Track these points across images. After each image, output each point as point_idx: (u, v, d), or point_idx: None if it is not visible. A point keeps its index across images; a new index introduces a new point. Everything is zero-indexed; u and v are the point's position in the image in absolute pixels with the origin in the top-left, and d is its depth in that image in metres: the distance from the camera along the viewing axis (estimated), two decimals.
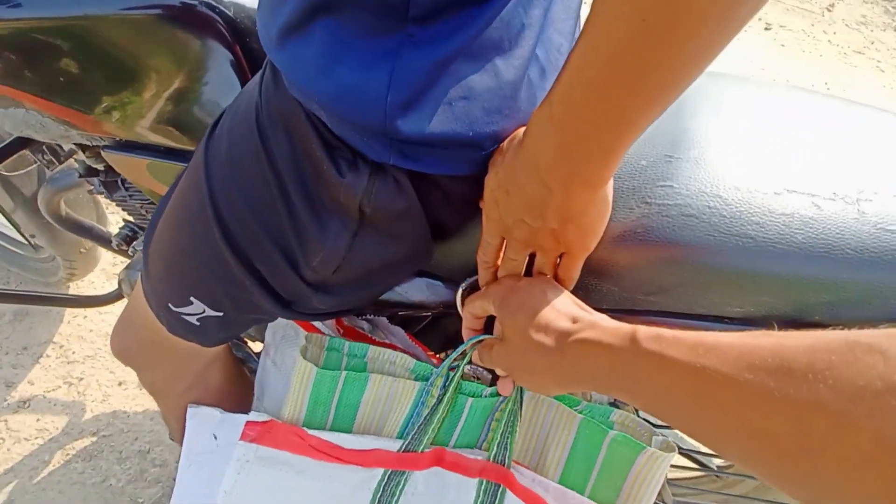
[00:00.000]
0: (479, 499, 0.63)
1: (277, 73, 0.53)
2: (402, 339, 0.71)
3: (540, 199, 0.47)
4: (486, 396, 0.64)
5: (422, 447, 0.64)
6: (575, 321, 0.48)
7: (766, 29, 2.87)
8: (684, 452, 0.79)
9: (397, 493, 0.64)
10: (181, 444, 0.80)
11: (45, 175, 1.15)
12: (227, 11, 0.66)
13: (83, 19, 0.65)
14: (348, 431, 0.66)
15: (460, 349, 0.62)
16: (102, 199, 1.44)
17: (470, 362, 0.63)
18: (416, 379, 0.65)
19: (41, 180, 1.28)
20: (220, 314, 0.65)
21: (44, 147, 0.98)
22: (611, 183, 0.49)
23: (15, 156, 0.96)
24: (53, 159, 0.99)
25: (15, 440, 1.36)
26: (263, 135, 0.55)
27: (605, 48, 0.37)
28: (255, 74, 0.60)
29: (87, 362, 1.51)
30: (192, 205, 0.60)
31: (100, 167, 0.93)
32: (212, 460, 0.73)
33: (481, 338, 0.60)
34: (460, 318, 0.63)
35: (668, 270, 0.55)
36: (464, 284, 0.63)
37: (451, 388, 0.63)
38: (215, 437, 0.74)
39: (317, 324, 0.70)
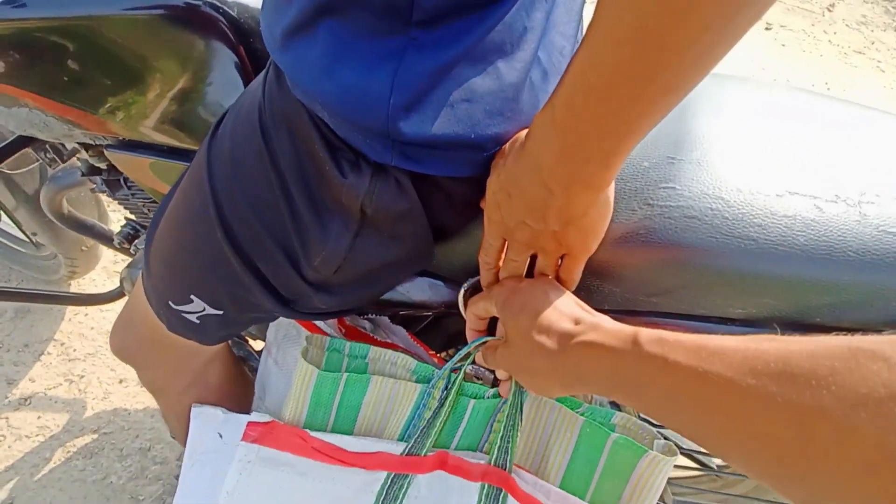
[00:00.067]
0: (482, 503, 0.63)
1: (281, 74, 0.53)
2: (404, 338, 0.71)
3: (541, 201, 0.47)
4: (488, 398, 0.64)
5: (424, 450, 0.64)
6: (577, 323, 0.48)
7: (766, 28, 2.87)
8: (685, 452, 0.79)
9: (400, 496, 0.64)
10: (181, 442, 0.80)
11: (47, 173, 1.16)
12: (231, 12, 0.66)
13: (87, 19, 0.65)
14: (349, 433, 0.66)
15: (463, 351, 0.62)
16: (104, 198, 1.44)
17: (473, 362, 0.63)
18: (418, 381, 0.65)
19: (43, 178, 1.28)
20: (220, 313, 0.65)
21: (46, 146, 0.98)
22: (612, 185, 0.49)
23: (17, 154, 0.96)
24: (56, 158, 0.99)
25: (16, 437, 1.37)
26: (266, 135, 0.55)
27: (608, 53, 0.37)
28: (258, 74, 0.60)
29: (88, 360, 1.51)
30: (194, 204, 0.60)
31: (102, 166, 0.93)
32: (215, 460, 0.73)
33: (485, 339, 0.60)
34: (462, 318, 0.63)
35: (671, 272, 0.55)
36: (466, 285, 0.63)
37: (452, 391, 0.63)
38: (220, 436, 0.74)
39: (319, 323, 0.70)
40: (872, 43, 2.90)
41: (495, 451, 0.64)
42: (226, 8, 0.66)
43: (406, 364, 0.65)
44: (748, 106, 0.61)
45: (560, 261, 0.54)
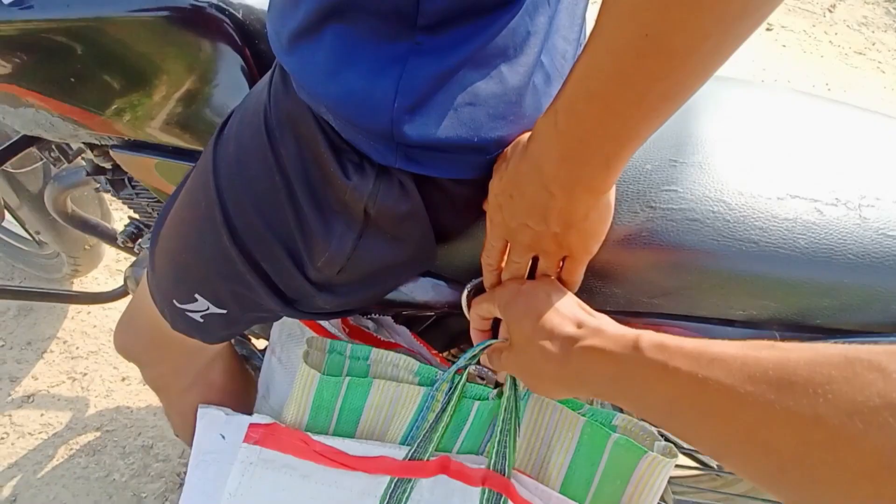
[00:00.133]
0: None
1: (287, 76, 0.54)
2: (407, 338, 0.72)
3: (542, 203, 0.48)
4: (491, 399, 0.64)
5: (427, 454, 0.64)
6: (580, 326, 0.48)
7: (767, 29, 2.87)
8: (685, 451, 0.80)
9: (403, 500, 0.64)
10: (184, 440, 0.80)
11: (51, 172, 1.16)
12: (237, 13, 0.66)
13: (93, 21, 0.66)
14: (351, 436, 0.66)
15: (469, 354, 0.62)
16: (107, 197, 1.44)
17: (477, 362, 0.63)
18: (421, 383, 0.65)
19: (47, 177, 1.29)
20: (224, 312, 0.65)
21: (52, 145, 0.99)
22: (613, 188, 0.49)
23: (21, 153, 0.97)
24: (61, 157, 1.00)
25: (19, 435, 1.37)
26: (271, 136, 0.55)
27: (609, 61, 0.38)
28: (263, 76, 0.61)
29: (91, 358, 1.52)
30: (199, 204, 0.61)
31: (107, 165, 0.94)
32: (218, 461, 0.73)
33: (489, 342, 0.61)
34: (465, 318, 0.63)
35: (672, 274, 0.55)
36: (469, 286, 0.63)
37: (455, 394, 0.63)
38: (223, 437, 0.74)
39: (322, 322, 0.70)
40: (873, 44, 2.91)
41: (493, 456, 0.64)
42: (231, 10, 0.66)
43: (409, 366, 0.65)
44: (750, 109, 0.62)
45: (562, 262, 0.55)
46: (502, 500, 0.63)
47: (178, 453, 1.37)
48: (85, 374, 1.48)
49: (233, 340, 0.90)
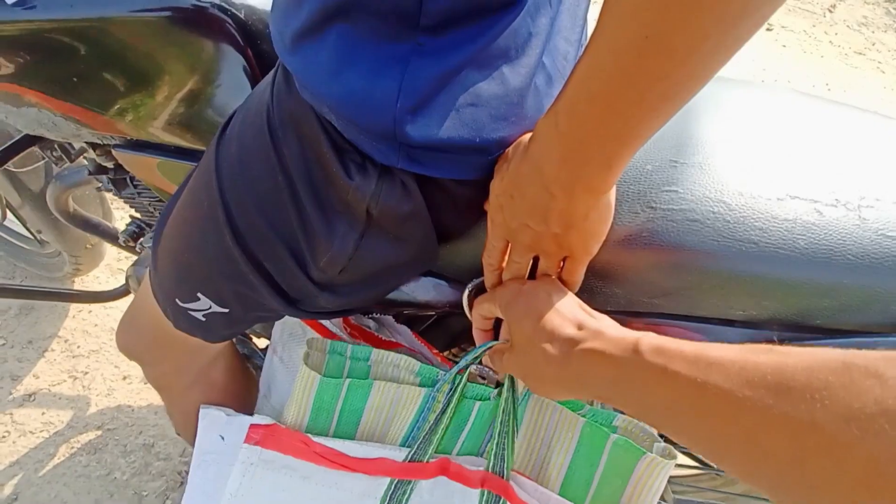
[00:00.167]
0: None
1: (289, 77, 0.54)
2: (408, 337, 0.72)
3: (543, 204, 0.48)
4: (492, 399, 0.64)
5: (427, 456, 0.64)
6: (580, 328, 0.48)
7: (767, 29, 2.87)
8: (685, 451, 0.80)
9: (403, 501, 0.64)
10: (185, 439, 0.80)
11: (52, 171, 1.16)
12: (239, 13, 0.67)
13: (96, 21, 0.66)
14: (352, 438, 0.66)
15: (471, 355, 0.62)
16: (108, 196, 1.44)
17: (479, 362, 0.63)
18: (422, 384, 0.65)
19: (48, 176, 1.29)
20: (226, 311, 0.65)
21: (54, 145, 0.99)
22: (614, 188, 0.50)
23: (24, 153, 0.97)
24: (63, 157, 1.00)
25: (20, 433, 1.37)
26: (274, 136, 0.55)
27: (609, 62, 0.38)
28: (266, 76, 0.61)
29: (92, 356, 1.52)
30: (202, 204, 0.61)
31: (109, 165, 0.94)
32: (219, 461, 0.73)
33: (491, 344, 0.61)
34: (466, 318, 0.63)
35: (673, 274, 0.55)
36: (470, 286, 0.63)
37: (456, 396, 0.63)
38: (222, 438, 0.74)
39: (324, 322, 0.71)
40: (873, 44, 2.91)
41: (492, 458, 0.64)
42: (233, 10, 0.66)
43: (410, 367, 0.65)
44: (750, 110, 0.62)
45: (562, 263, 0.55)
46: (501, 502, 0.63)
47: (179, 452, 1.37)
48: (86, 373, 1.49)
49: (234, 339, 0.91)
